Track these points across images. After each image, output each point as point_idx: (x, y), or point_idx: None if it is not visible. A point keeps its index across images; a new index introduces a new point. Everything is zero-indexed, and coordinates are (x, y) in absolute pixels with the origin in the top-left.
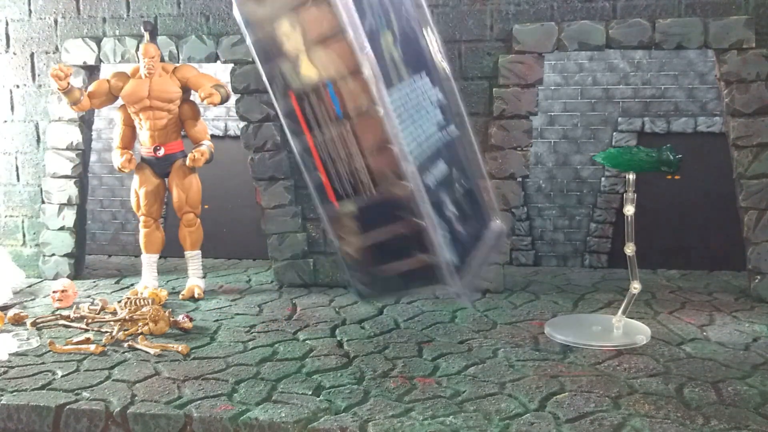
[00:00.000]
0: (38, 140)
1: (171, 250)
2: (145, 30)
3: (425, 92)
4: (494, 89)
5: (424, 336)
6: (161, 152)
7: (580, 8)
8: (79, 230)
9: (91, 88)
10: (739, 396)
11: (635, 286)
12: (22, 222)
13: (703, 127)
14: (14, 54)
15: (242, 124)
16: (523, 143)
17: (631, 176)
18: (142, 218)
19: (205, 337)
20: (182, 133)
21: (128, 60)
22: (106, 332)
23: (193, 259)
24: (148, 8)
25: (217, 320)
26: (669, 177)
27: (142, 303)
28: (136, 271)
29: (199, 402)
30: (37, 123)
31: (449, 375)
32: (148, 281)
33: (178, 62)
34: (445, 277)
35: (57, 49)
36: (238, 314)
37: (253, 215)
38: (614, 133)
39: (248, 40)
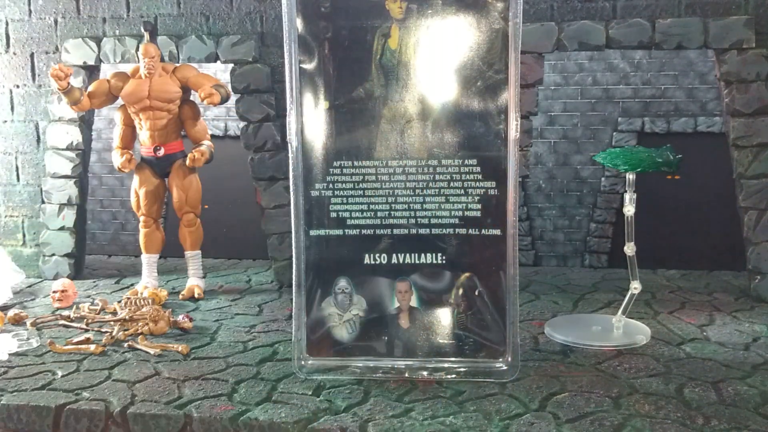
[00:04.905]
0: (38, 140)
1: (171, 250)
2: (145, 30)
3: None
4: None
5: None
6: (161, 152)
7: (580, 8)
8: (79, 230)
9: (91, 88)
10: (739, 396)
11: (635, 286)
12: (22, 222)
13: (703, 127)
14: (14, 54)
15: (242, 124)
16: (523, 143)
17: (631, 176)
18: (142, 218)
19: (205, 337)
20: (182, 133)
21: (128, 60)
22: (106, 332)
23: (193, 259)
24: (148, 8)
25: (217, 320)
26: (669, 177)
27: (142, 303)
28: (136, 271)
29: (199, 402)
30: (37, 123)
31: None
32: (148, 281)
33: (178, 62)
34: None
35: (57, 49)
36: (238, 314)
37: (253, 215)
38: (614, 133)
39: None
